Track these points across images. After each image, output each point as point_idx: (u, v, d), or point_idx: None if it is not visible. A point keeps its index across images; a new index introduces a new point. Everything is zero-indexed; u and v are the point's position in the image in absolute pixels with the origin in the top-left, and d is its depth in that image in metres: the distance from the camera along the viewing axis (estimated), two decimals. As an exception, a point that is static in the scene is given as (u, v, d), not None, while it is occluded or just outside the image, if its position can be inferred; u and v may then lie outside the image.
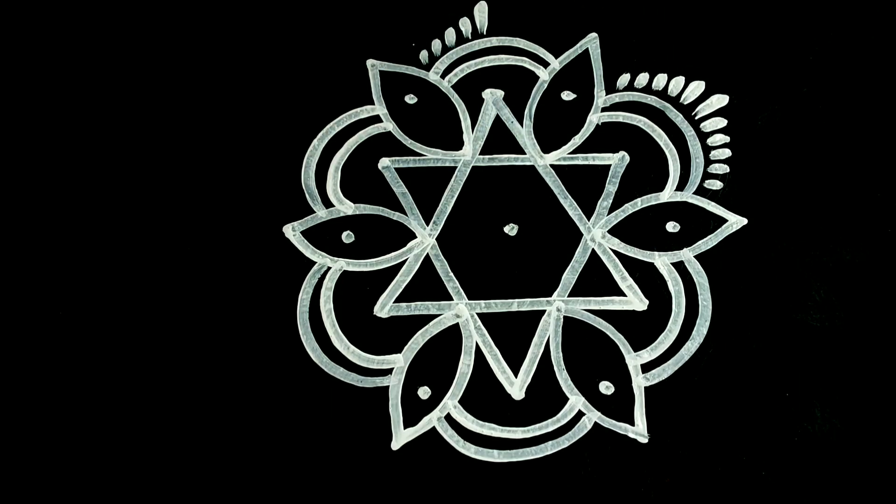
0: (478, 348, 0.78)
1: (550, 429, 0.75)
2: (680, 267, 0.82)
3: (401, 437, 0.74)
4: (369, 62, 0.90)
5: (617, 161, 0.86)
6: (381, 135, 0.87)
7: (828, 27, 0.93)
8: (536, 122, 0.88)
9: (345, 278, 0.81)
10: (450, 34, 0.91)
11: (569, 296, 0.80)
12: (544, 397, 0.76)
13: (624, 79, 0.90)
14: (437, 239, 0.83)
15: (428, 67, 0.90)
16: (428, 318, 0.79)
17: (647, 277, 0.81)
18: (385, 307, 0.79)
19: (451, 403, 0.76)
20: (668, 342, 0.78)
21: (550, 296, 0.80)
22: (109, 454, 0.73)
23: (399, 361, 0.77)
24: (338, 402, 0.75)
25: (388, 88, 0.89)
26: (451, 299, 0.80)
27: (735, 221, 0.83)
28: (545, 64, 0.91)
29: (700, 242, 0.83)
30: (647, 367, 0.77)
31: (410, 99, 0.89)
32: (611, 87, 0.90)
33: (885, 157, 0.87)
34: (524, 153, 0.87)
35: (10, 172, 0.83)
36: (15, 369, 0.75)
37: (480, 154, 0.86)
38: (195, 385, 0.75)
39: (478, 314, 0.79)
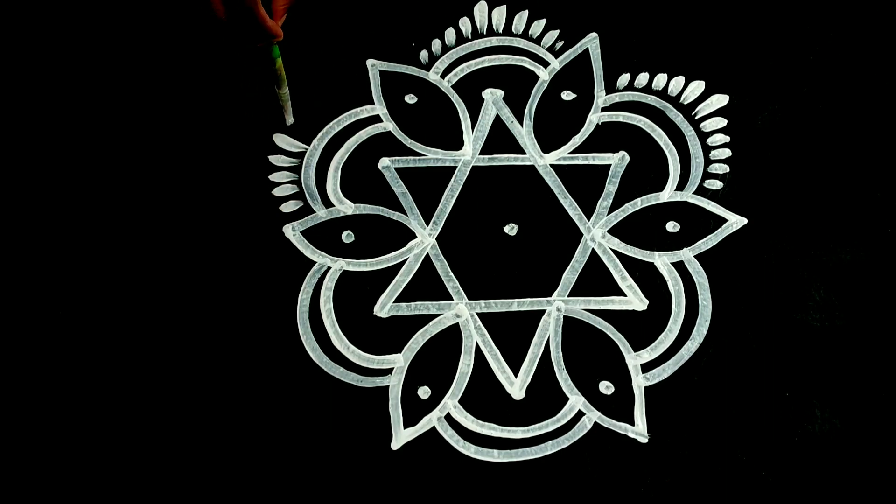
0: (478, 348, 0.78)
1: (550, 429, 0.75)
2: (680, 267, 0.82)
3: (401, 436, 0.74)
4: (369, 62, 0.90)
5: (617, 161, 0.86)
6: (381, 135, 0.87)
7: (828, 27, 0.93)
8: (536, 122, 0.88)
9: (345, 278, 0.81)
10: (450, 34, 0.91)
11: (569, 296, 0.80)
12: (544, 397, 0.76)
13: (624, 79, 0.90)
14: (437, 239, 0.83)
15: (428, 67, 0.90)
16: (428, 318, 0.79)
17: (647, 277, 0.81)
18: (385, 307, 0.79)
19: (451, 403, 0.76)
20: (668, 342, 0.78)
21: (550, 296, 0.80)
22: (109, 454, 0.73)
23: (399, 361, 0.77)
24: (338, 402, 0.75)
25: (388, 88, 0.89)
26: (451, 299, 0.80)
27: (735, 221, 0.83)
28: (545, 64, 0.91)
29: (700, 242, 0.83)
30: (647, 367, 0.77)
31: (410, 99, 0.89)
32: (611, 87, 0.90)
33: (885, 157, 0.87)
34: (524, 153, 0.87)
35: (10, 173, 0.83)
36: (15, 369, 0.75)
37: (480, 154, 0.86)
38: (195, 385, 0.75)
39: (478, 314, 0.79)
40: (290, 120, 0.85)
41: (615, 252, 0.82)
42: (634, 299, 0.80)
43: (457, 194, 0.84)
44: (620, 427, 0.75)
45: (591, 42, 0.91)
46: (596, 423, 0.75)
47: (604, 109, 0.89)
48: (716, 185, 0.85)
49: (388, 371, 0.77)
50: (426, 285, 0.81)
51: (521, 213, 0.84)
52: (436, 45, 0.91)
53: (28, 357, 0.76)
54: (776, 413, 0.75)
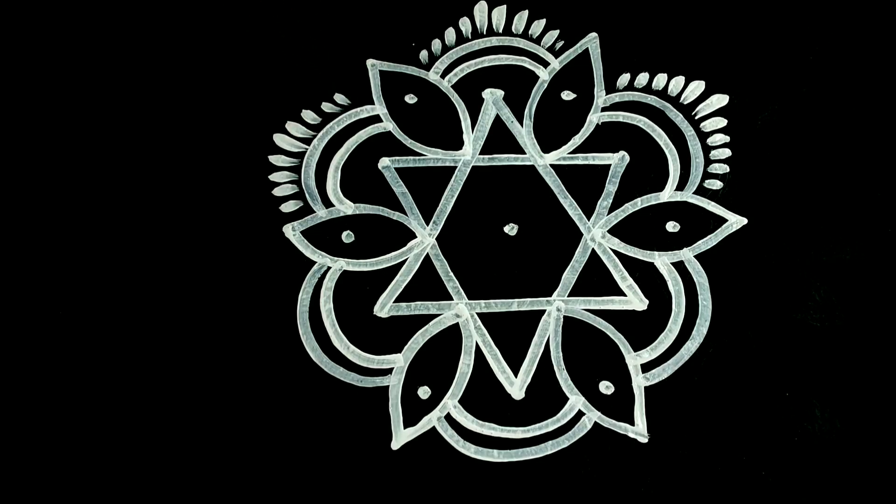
0: (478, 348, 0.78)
1: (550, 429, 0.75)
2: (680, 267, 0.82)
3: (401, 436, 0.74)
4: (369, 62, 0.90)
5: (617, 161, 0.86)
6: (381, 135, 0.87)
7: (828, 27, 0.93)
8: (536, 122, 0.88)
9: (345, 278, 0.81)
10: (450, 34, 0.91)
11: (569, 296, 0.80)
12: (544, 397, 0.76)
13: (624, 79, 0.90)
14: (437, 239, 0.83)
15: (428, 67, 0.90)
16: (428, 318, 0.79)
17: (647, 277, 0.81)
18: (385, 307, 0.79)
19: (451, 403, 0.76)
20: (668, 342, 0.78)
21: (550, 296, 0.80)
22: (110, 454, 0.73)
23: (399, 361, 0.77)
24: (338, 402, 0.75)
25: (388, 88, 0.89)
26: (451, 299, 0.80)
27: (735, 221, 0.83)
28: (545, 64, 0.91)
29: (700, 242, 0.83)
30: (647, 367, 0.78)
31: (410, 99, 0.89)
32: (611, 87, 0.90)
33: (885, 157, 0.87)
34: (524, 153, 0.87)
35: (10, 173, 0.83)
36: (15, 369, 0.75)
37: (480, 154, 0.86)
38: (195, 385, 0.75)
39: (478, 314, 0.80)
40: None
41: (615, 252, 0.82)
42: (634, 299, 0.80)
43: (457, 194, 0.84)
44: (620, 427, 0.75)
45: (591, 42, 0.91)
46: (596, 423, 0.75)
47: (604, 109, 0.89)
48: (716, 185, 0.85)
49: (388, 371, 0.77)
50: (426, 285, 0.81)
51: (521, 213, 0.84)
52: (436, 45, 0.91)
53: (28, 356, 0.76)
54: (776, 413, 0.75)
